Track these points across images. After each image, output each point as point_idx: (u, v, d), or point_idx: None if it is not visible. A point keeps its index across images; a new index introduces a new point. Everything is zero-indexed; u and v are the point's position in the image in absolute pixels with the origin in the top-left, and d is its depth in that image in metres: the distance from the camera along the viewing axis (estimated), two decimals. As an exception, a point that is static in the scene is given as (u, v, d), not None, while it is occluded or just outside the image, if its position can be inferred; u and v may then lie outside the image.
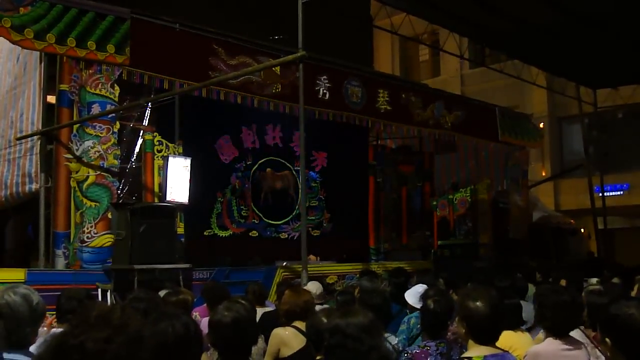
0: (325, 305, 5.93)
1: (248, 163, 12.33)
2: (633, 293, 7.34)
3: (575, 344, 3.71)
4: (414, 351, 3.73)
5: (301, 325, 4.75)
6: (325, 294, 6.49)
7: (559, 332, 3.72)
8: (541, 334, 4.17)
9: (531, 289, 6.68)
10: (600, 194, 17.91)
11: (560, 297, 3.80)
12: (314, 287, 6.35)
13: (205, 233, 11.55)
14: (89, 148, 8.65)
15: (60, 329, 3.51)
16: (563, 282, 7.38)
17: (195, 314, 5.71)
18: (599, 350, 3.77)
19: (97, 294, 7.59)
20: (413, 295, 5.33)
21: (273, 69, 9.78)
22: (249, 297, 5.90)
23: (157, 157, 9.84)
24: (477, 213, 14.86)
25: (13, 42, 8.13)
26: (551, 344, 3.70)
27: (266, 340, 4.84)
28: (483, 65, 16.88)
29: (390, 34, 16.52)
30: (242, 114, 11.69)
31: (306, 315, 4.45)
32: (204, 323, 5.22)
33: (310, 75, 9.99)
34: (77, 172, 8.57)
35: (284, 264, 9.88)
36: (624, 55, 14.37)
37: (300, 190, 11.54)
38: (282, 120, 12.18)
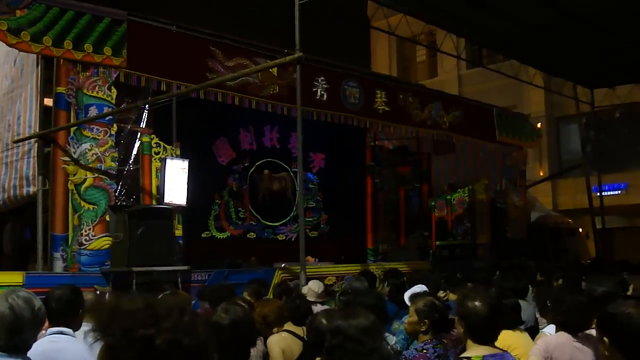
0: (326, 306, 5.94)
1: (245, 165, 12.33)
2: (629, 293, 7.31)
3: (586, 340, 3.70)
4: (412, 355, 3.64)
5: (295, 329, 4.73)
6: (325, 294, 6.50)
7: (570, 328, 3.72)
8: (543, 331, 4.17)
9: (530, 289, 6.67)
10: (598, 194, 17.90)
11: (577, 297, 3.83)
12: (315, 285, 6.37)
13: (203, 235, 11.55)
14: (87, 150, 8.63)
15: (58, 328, 3.49)
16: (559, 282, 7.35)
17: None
18: None
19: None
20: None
21: (270, 70, 9.76)
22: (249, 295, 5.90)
23: (155, 159, 9.81)
24: (475, 213, 14.85)
25: (9, 45, 8.11)
26: (562, 335, 3.72)
27: (265, 343, 4.81)
28: (480, 65, 16.82)
29: (388, 34, 16.52)
30: (240, 115, 11.68)
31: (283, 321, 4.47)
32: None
33: (308, 76, 9.98)
34: (74, 175, 8.55)
35: (283, 265, 9.87)
36: (621, 55, 14.37)
37: (297, 192, 11.52)
38: (280, 121, 12.18)
